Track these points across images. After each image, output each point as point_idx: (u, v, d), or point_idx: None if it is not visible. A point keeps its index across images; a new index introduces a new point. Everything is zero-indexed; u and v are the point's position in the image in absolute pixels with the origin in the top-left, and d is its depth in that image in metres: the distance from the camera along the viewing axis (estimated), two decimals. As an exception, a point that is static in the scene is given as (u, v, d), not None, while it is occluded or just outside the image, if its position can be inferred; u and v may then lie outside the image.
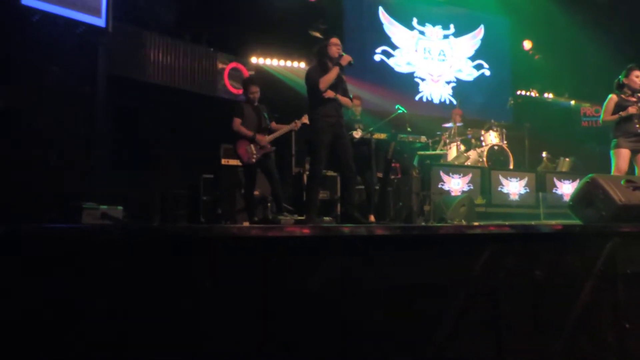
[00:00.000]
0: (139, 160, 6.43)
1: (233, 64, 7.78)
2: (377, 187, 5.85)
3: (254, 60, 8.06)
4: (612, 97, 4.93)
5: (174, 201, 6.52)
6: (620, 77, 4.97)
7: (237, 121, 5.33)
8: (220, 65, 7.70)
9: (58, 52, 5.00)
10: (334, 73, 4.29)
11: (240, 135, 5.29)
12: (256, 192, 5.67)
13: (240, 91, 7.79)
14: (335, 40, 4.46)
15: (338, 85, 4.42)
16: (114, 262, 1.75)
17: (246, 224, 5.64)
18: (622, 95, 4.90)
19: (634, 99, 4.89)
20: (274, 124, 5.53)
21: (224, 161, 6.34)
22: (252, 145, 5.28)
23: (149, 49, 6.92)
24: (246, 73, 7.86)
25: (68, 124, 5.08)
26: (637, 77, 4.88)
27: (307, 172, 6.32)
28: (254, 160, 5.29)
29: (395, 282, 2.54)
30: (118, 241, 1.78)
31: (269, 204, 5.98)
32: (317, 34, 8.19)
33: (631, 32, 9.21)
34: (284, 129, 5.49)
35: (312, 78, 4.35)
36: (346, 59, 4.32)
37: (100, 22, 5.18)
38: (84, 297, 1.64)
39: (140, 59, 6.81)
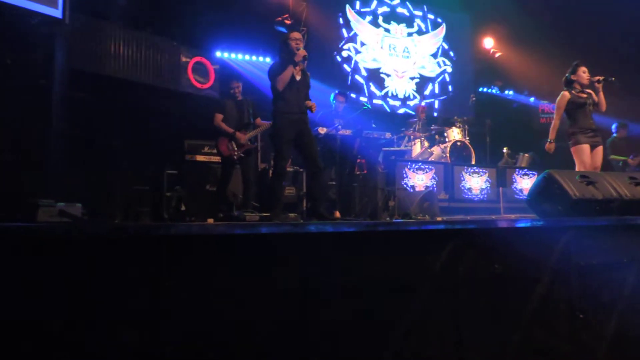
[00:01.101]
0: (100, 156, 6.26)
1: (197, 58, 7.65)
2: (343, 183, 5.89)
3: (218, 54, 7.96)
4: (565, 94, 5.08)
5: (136, 197, 6.38)
6: (567, 74, 5.14)
7: (218, 117, 5.35)
8: (183, 59, 7.56)
9: (11, 44, 4.80)
10: (288, 72, 4.24)
11: (221, 132, 5.28)
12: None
13: (205, 85, 7.72)
14: (294, 34, 4.40)
15: (301, 82, 4.39)
16: (69, 262, 1.70)
17: (210, 220, 5.58)
18: (573, 92, 5.07)
19: (585, 95, 5.06)
20: (258, 120, 5.49)
21: (188, 157, 6.26)
22: (233, 142, 5.27)
23: (109, 41, 6.72)
24: (210, 67, 7.76)
25: (22, 118, 4.89)
26: (584, 72, 5.07)
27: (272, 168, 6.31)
28: (235, 157, 5.28)
29: (360, 278, 2.56)
30: (74, 240, 1.74)
31: (234, 200, 5.94)
32: (283, 29, 8.15)
33: (587, 33, 9.54)
34: (265, 125, 5.45)
35: (271, 75, 4.33)
36: (300, 54, 4.26)
37: (57, 12, 4.99)
38: (36, 301, 1.59)
39: (100, 52, 6.61)
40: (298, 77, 4.35)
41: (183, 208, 6.04)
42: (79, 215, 4.02)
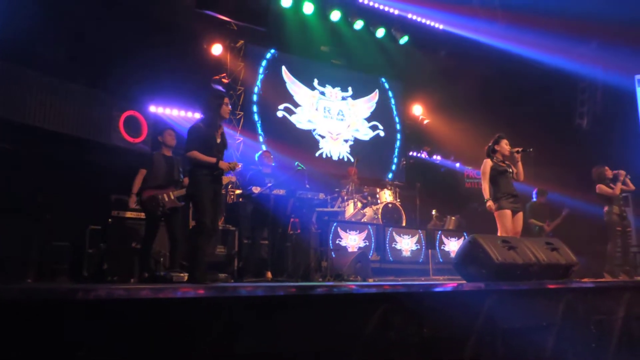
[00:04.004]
0: (16, 209, 5.84)
1: (129, 112, 7.50)
2: (275, 243, 5.83)
3: (152, 109, 7.85)
4: (487, 162, 5.41)
5: (54, 254, 5.96)
6: (491, 144, 5.50)
7: (141, 172, 5.21)
8: (115, 112, 7.39)
9: None
10: (210, 160, 4.26)
11: (146, 185, 5.11)
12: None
13: (137, 139, 7.54)
14: (227, 99, 4.50)
15: (221, 144, 4.41)
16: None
17: (134, 280, 5.30)
18: (495, 160, 5.41)
19: (504, 165, 5.41)
20: (186, 180, 5.36)
21: (114, 212, 5.98)
22: (159, 197, 5.08)
23: (35, 91, 6.46)
24: (143, 121, 7.62)
25: None
26: (506, 144, 5.45)
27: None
28: (159, 213, 5.09)
29: (290, 344, 2.48)
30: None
31: (161, 259, 5.69)
32: (219, 88, 8.23)
33: (504, 103, 10.38)
34: None
35: (190, 137, 4.30)
36: (223, 165, 4.30)
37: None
38: None
39: (24, 101, 6.33)
40: (218, 140, 4.40)
41: (105, 266, 5.70)
42: (-15, 275, 3.68)
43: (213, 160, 4.27)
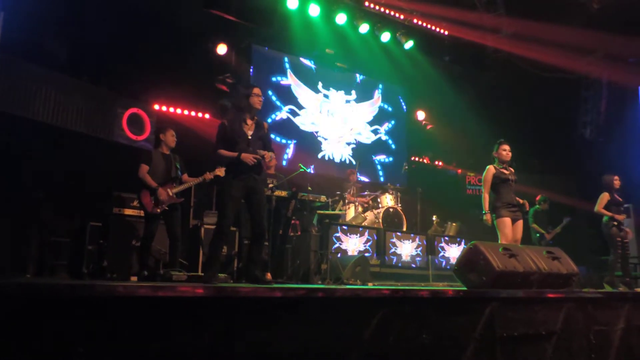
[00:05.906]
0: (15, 205, 5.84)
1: (133, 109, 7.51)
2: (275, 244, 5.81)
3: (156, 107, 7.86)
4: (490, 169, 5.39)
5: (53, 250, 5.96)
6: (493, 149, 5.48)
7: (143, 168, 5.17)
8: (119, 109, 7.39)
9: None
10: (230, 155, 4.18)
11: (145, 184, 5.09)
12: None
13: (140, 137, 7.55)
14: (257, 90, 4.35)
15: (254, 137, 4.29)
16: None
17: (133, 278, 5.29)
18: (499, 167, 5.39)
19: (507, 172, 5.39)
20: (185, 177, 5.37)
21: (115, 209, 5.98)
22: (154, 196, 5.07)
23: (39, 86, 6.46)
24: (147, 119, 7.63)
25: None
26: (505, 150, 5.43)
27: (204, 225, 6.14)
28: (158, 211, 5.07)
29: (287, 346, 2.48)
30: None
31: (161, 258, 5.68)
32: (224, 87, 8.24)
33: (507, 111, 10.38)
34: (194, 181, 5.33)
35: (216, 139, 4.22)
36: (246, 158, 4.14)
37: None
38: None
39: (28, 96, 6.33)
40: (250, 132, 4.27)
41: (105, 263, 5.70)
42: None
43: (234, 154, 4.14)
